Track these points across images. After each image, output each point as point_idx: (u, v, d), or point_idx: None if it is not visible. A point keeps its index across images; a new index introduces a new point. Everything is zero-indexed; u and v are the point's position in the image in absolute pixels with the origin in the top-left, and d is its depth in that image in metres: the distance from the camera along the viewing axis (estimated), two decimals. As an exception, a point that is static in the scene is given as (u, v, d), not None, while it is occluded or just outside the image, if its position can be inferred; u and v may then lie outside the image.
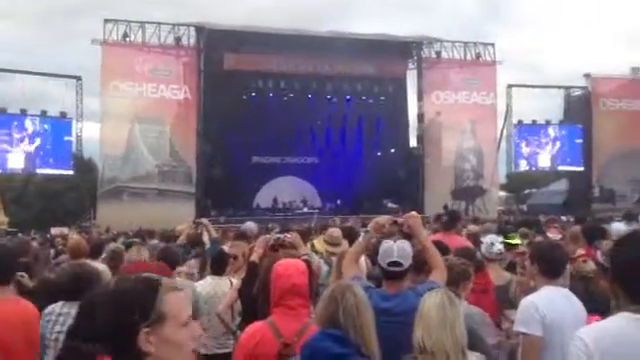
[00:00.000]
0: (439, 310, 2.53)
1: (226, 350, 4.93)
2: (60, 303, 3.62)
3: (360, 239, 3.75)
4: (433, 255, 3.51)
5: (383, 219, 3.64)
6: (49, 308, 3.61)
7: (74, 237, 8.52)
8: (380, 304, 3.09)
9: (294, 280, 2.81)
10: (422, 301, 2.63)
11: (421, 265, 3.47)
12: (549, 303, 3.30)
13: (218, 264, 5.38)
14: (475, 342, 3.10)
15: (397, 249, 3.25)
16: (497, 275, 4.75)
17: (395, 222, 3.61)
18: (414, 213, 3.71)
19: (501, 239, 4.99)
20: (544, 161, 29.13)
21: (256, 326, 2.85)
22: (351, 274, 3.51)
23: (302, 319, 2.78)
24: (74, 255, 5.63)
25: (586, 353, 2.27)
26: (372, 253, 4.19)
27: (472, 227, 7.46)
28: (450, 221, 6.50)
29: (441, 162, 26.79)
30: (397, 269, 3.24)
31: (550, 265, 3.48)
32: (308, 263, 4.25)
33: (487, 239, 4.96)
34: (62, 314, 3.56)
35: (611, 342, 2.22)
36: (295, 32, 25.23)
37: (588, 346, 2.26)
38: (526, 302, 3.38)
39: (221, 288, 5.06)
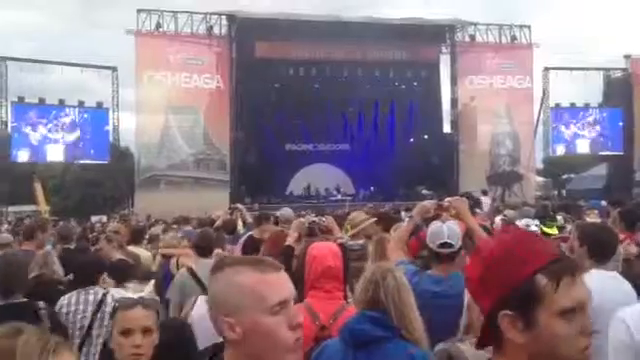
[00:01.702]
0: None
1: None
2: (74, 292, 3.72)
3: (405, 224, 3.73)
4: (481, 238, 3.42)
5: (429, 203, 3.62)
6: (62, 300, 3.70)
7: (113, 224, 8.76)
8: (431, 287, 3.07)
9: (329, 263, 2.81)
10: None
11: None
12: (596, 286, 3.20)
13: (249, 248, 5.44)
14: None
15: (447, 229, 3.21)
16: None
17: (441, 206, 3.58)
18: (461, 197, 3.68)
19: (537, 222, 4.89)
20: (583, 145, 28.41)
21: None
22: (397, 259, 3.50)
23: (337, 301, 2.78)
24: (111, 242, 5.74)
25: (627, 334, 2.23)
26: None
27: (510, 212, 7.34)
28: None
29: (476, 147, 26.39)
30: (448, 250, 3.21)
31: (600, 247, 3.37)
32: (342, 247, 4.26)
33: (522, 222, 4.89)
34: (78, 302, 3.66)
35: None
36: (326, 18, 25.08)
37: (629, 327, 2.22)
38: None
39: None
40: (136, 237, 6.73)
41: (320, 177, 27.08)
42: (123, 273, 4.26)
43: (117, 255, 5.09)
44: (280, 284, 1.40)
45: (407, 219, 3.72)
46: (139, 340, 2.19)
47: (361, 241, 5.10)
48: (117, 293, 3.49)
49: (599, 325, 3.07)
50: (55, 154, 23.71)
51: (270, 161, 25.75)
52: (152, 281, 3.71)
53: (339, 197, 24.85)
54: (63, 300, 3.66)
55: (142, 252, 6.06)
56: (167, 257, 5.74)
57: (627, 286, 3.20)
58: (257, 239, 5.77)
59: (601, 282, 3.21)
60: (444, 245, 3.19)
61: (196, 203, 18.75)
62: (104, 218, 21.38)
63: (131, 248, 5.94)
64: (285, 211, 7.92)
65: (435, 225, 3.28)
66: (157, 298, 3.36)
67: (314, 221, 4.60)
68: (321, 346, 2.32)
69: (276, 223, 6.78)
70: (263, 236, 5.84)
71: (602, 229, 3.68)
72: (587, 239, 3.47)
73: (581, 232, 3.79)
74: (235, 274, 1.40)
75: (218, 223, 7.55)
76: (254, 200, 22.80)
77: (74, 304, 3.61)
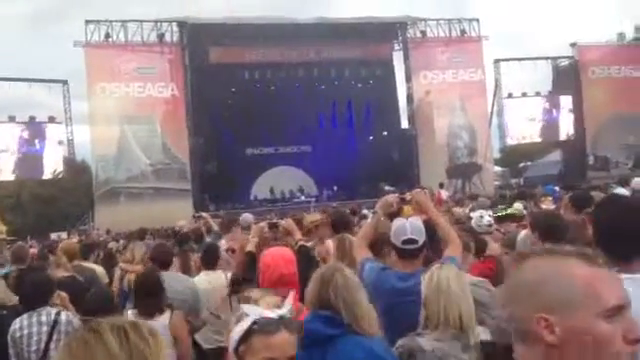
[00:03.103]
0: (457, 281, 2.53)
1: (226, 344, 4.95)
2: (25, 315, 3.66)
3: (369, 220, 3.72)
4: (446, 229, 3.48)
5: (391, 198, 3.62)
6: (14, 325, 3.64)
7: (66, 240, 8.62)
8: (397, 284, 3.09)
9: (282, 270, 2.83)
10: (433, 275, 2.61)
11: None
12: None
13: (209, 258, 5.40)
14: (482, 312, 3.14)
15: (410, 226, 3.21)
16: (491, 248, 4.75)
17: (403, 200, 3.59)
18: (420, 190, 3.70)
19: (490, 212, 5.02)
20: (537, 133, 29.16)
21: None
22: (362, 257, 3.50)
23: (294, 304, 2.80)
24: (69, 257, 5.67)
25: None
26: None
27: (456, 210, 7.47)
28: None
29: (434, 141, 26.75)
30: (412, 246, 3.21)
31: (550, 232, 3.48)
32: (304, 248, 4.27)
33: (476, 213, 5.02)
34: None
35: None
36: (278, 21, 25.09)
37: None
38: None
39: (217, 282, 5.09)
40: (84, 253, 6.60)
41: (283, 180, 27.07)
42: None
43: (61, 273, 5.02)
44: (617, 284, 1.15)
45: (371, 215, 3.71)
46: None
47: (310, 242, 5.13)
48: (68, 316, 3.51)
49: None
50: (6, 171, 23.02)
51: (231, 167, 25.58)
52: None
53: (303, 199, 24.90)
54: (15, 324, 3.60)
55: (96, 268, 5.98)
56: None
57: None
58: (217, 247, 5.76)
59: None
60: (408, 242, 3.20)
61: (158, 214, 18.52)
62: (64, 235, 20.90)
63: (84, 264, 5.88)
64: (245, 216, 7.92)
65: (398, 222, 3.28)
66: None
67: (274, 224, 4.61)
68: None
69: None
70: (231, 244, 5.82)
71: (551, 215, 3.81)
72: (538, 225, 3.60)
73: (532, 219, 3.93)
74: (561, 262, 1.15)
75: (186, 232, 7.48)
76: (218, 207, 22.65)
77: (27, 327, 3.55)
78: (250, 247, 4.33)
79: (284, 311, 1.68)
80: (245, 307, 1.68)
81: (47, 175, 24.20)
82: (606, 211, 2.46)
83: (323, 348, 2.17)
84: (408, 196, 3.60)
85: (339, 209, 9.99)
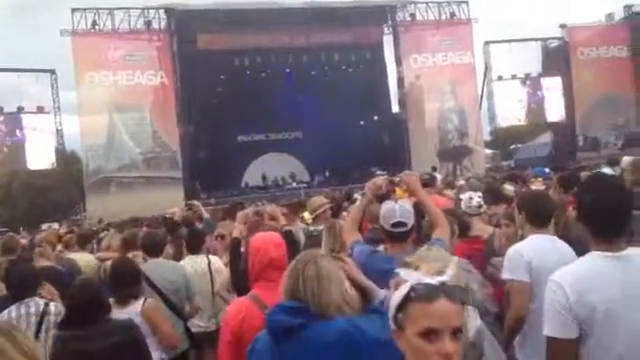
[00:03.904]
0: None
1: (213, 328, 5.04)
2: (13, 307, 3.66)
3: (357, 202, 3.72)
4: (434, 212, 3.48)
5: (380, 180, 3.61)
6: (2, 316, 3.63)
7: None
8: (384, 266, 3.08)
9: (271, 254, 2.82)
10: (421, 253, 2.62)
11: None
12: (535, 250, 3.32)
13: (193, 243, 5.45)
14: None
15: (399, 209, 3.22)
16: (480, 229, 4.78)
17: (392, 182, 3.59)
18: (410, 171, 3.70)
19: (479, 194, 5.04)
20: (527, 115, 29.26)
21: (240, 302, 2.86)
22: (352, 240, 3.49)
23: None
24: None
25: (562, 295, 2.33)
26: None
27: (448, 192, 7.49)
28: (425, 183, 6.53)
29: (425, 125, 26.76)
30: (401, 229, 3.22)
31: (536, 213, 3.50)
32: (289, 234, 4.28)
33: (466, 195, 5.03)
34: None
35: (584, 282, 2.29)
36: (267, 6, 24.88)
37: (564, 288, 2.32)
38: (512, 250, 3.41)
39: (199, 266, 5.12)
40: (81, 243, 6.64)
41: (274, 166, 27.05)
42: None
43: (43, 263, 5.03)
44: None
45: (359, 197, 3.71)
46: (450, 346, 1.51)
47: (320, 227, 5.15)
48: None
49: (540, 286, 3.20)
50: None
51: (222, 154, 25.48)
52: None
53: (295, 185, 24.92)
54: (3, 315, 3.59)
55: (87, 257, 5.98)
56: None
57: (566, 249, 3.31)
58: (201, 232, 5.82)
59: (540, 246, 3.34)
60: (397, 224, 3.21)
61: (150, 203, 18.49)
62: (55, 225, 20.84)
63: (75, 255, 5.88)
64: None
65: (387, 205, 3.28)
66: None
67: (258, 211, 4.63)
68: (255, 338, 2.31)
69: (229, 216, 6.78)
70: (220, 231, 5.82)
71: (537, 195, 3.85)
72: (524, 206, 3.62)
73: (519, 200, 3.95)
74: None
75: (176, 220, 7.47)
76: (210, 195, 22.64)
77: (15, 318, 3.55)
78: (235, 233, 4.35)
79: (445, 277, 1.52)
80: (403, 272, 1.55)
81: (35, 165, 24.01)
82: (588, 190, 2.49)
83: (294, 339, 2.14)
84: (397, 178, 3.60)
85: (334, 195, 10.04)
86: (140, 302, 4.04)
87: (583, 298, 2.25)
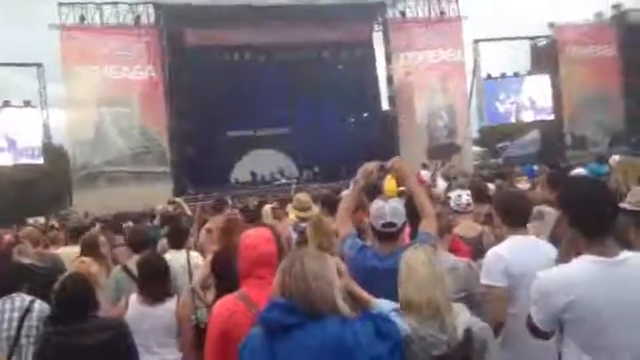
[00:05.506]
0: (428, 266, 2.52)
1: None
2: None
3: (349, 190, 3.67)
4: (423, 201, 3.44)
5: (371, 165, 3.58)
6: None
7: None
8: (376, 264, 3.09)
9: (261, 250, 2.78)
10: (405, 258, 2.60)
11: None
12: (513, 252, 3.25)
13: (175, 237, 5.47)
14: (468, 290, 3.14)
15: (389, 209, 3.20)
16: (469, 227, 4.78)
17: (382, 167, 3.56)
18: (400, 157, 3.67)
19: (468, 192, 5.03)
20: (515, 113, 29.38)
21: (228, 299, 2.81)
22: (345, 232, 3.46)
23: (271, 287, 2.76)
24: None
25: (546, 297, 2.33)
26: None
27: (434, 190, 7.51)
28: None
29: (414, 122, 26.75)
30: (391, 230, 3.20)
31: (512, 214, 3.44)
32: (273, 230, 4.25)
33: (455, 193, 5.02)
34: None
35: (572, 287, 2.28)
36: (256, 3, 24.68)
37: (549, 290, 2.31)
38: (489, 253, 3.35)
39: (178, 261, 5.09)
40: (74, 237, 6.59)
41: (263, 162, 26.99)
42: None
43: (22, 261, 5.00)
44: None
45: (351, 184, 3.66)
46: None
47: (305, 224, 5.12)
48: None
49: (519, 290, 3.16)
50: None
51: (211, 150, 25.36)
52: None
53: (283, 181, 24.85)
54: None
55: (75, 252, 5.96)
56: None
57: (548, 249, 3.25)
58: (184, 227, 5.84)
59: (519, 248, 3.26)
60: (387, 225, 3.19)
61: (138, 198, 18.38)
62: (41, 220, 20.64)
63: (64, 249, 5.83)
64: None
65: (378, 205, 3.26)
66: None
67: (246, 207, 4.63)
68: (247, 335, 2.29)
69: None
70: (208, 225, 5.83)
71: (514, 196, 3.76)
72: (499, 206, 3.58)
73: (495, 200, 3.92)
74: None
75: (156, 220, 7.43)
76: (198, 191, 22.50)
77: None
78: (208, 225, 4.34)
79: None
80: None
81: (25, 160, 23.71)
82: (572, 190, 2.49)
83: (286, 338, 2.12)
84: (388, 164, 3.56)
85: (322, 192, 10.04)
86: (174, 300, 4.04)
87: (576, 302, 2.24)
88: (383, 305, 2.63)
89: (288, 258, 2.29)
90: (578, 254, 2.33)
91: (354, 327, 2.12)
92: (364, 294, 2.43)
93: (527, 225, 3.52)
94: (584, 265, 2.28)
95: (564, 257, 2.42)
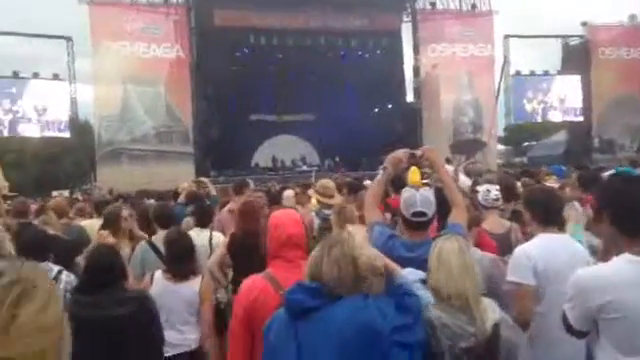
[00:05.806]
0: (459, 256, 2.49)
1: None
2: None
3: (378, 177, 3.60)
4: (453, 192, 3.38)
5: (401, 152, 3.51)
6: None
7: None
8: (404, 254, 3.04)
9: (290, 231, 2.76)
10: (437, 247, 2.56)
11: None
12: (542, 250, 3.19)
13: (200, 216, 5.54)
14: (490, 287, 3.09)
15: (420, 198, 3.15)
16: (496, 223, 4.67)
17: (413, 155, 3.47)
18: (431, 147, 3.61)
19: (497, 187, 4.94)
20: (543, 112, 28.95)
21: (254, 279, 2.80)
22: (372, 219, 3.41)
23: (301, 270, 2.75)
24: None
25: (582, 296, 2.27)
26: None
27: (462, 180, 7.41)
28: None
29: (439, 116, 26.49)
30: (421, 219, 3.16)
31: (543, 211, 3.38)
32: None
33: (483, 187, 4.91)
34: None
35: (611, 287, 2.22)
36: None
37: (586, 289, 2.26)
38: (517, 250, 3.30)
39: (201, 240, 5.12)
40: (99, 210, 6.69)
41: (285, 148, 27.00)
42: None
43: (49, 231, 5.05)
44: None
45: (381, 171, 3.59)
46: None
47: (328, 211, 5.10)
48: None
49: (547, 289, 3.12)
50: (10, 127, 22.89)
51: (234, 133, 25.42)
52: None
53: (304, 168, 24.88)
54: None
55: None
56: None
57: (577, 247, 3.21)
58: (209, 206, 5.91)
59: (548, 246, 3.20)
60: (417, 214, 3.14)
61: (160, 176, 18.55)
62: (65, 193, 20.92)
63: (90, 221, 5.89)
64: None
65: (408, 193, 3.21)
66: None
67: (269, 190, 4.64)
68: (273, 316, 2.28)
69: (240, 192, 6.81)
70: (232, 206, 5.86)
71: (545, 193, 3.69)
72: (530, 204, 3.50)
73: (525, 198, 3.82)
74: None
75: (181, 197, 7.45)
76: (219, 173, 22.62)
77: None
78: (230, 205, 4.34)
79: None
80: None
81: (50, 133, 23.98)
82: (609, 191, 2.42)
83: (310, 320, 2.10)
84: (419, 152, 3.48)
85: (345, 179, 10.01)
86: (199, 279, 4.09)
87: (613, 302, 2.19)
88: (409, 275, 2.59)
89: (328, 240, 2.26)
90: (618, 253, 2.27)
91: (376, 304, 2.10)
92: (390, 264, 2.38)
93: (565, 211, 3.45)
94: (623, 265, 2.22)
95: (604, 256, 2.36)
